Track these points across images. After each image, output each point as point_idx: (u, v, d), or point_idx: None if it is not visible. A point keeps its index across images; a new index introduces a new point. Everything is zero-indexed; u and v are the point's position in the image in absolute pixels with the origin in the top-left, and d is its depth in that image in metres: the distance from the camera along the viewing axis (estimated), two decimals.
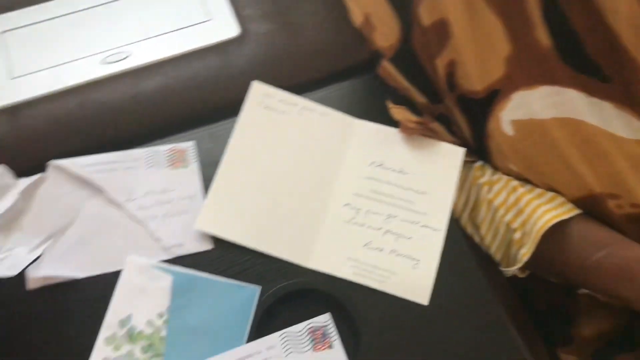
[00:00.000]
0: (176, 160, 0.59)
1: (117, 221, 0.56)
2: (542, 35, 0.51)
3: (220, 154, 0.59)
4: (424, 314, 0.53)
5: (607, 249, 0.54)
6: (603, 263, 0.54)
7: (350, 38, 0.63)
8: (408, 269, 0.55)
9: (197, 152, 0.60)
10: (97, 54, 0.64)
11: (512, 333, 0.52)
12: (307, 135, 0.61)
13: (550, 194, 0.57)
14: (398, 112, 0.60)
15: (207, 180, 0.58)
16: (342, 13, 0.64)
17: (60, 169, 0.57)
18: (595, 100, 0.51)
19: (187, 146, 0.60)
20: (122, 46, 0.64)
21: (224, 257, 0.55)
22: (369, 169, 0.60)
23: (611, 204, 0.54)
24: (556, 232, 0.55)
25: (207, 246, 0.55)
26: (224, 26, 0.64)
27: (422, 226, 0.57)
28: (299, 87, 0.63)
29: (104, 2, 0.67)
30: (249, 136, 0.60)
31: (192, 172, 0.59)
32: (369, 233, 0.57)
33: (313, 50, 0.63)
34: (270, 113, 0.61)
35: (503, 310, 0.54)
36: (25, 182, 0.56)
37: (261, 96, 0.62)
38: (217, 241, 0.56)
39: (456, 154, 0.60)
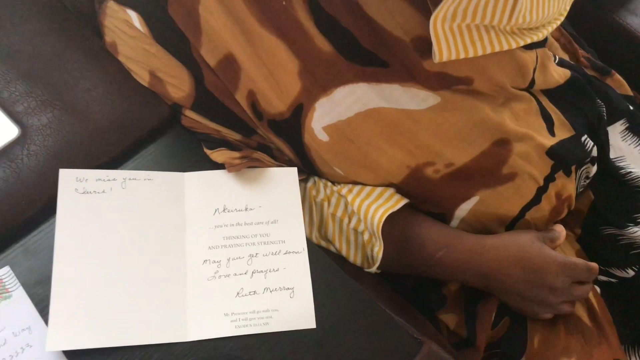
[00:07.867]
0: None
1: None
2: (322, 44, 0.55)
3: (46, 266, 0.52)
4: (316, 335, 0.53)
5: (445, 248, 0.61)
6: (444, 260, 0.62)
7: (145, 99, 0.61)
8: (286, 301, 0.54)
9: (17, 276, 0.52)
10: None
11: (398, 320, 0.54)
12: (139, 207, 0.56)
13: (378, 190, 0.61)
14: (218, 155, 0.59)
15: (41, 301, 0.51)
16: (127, 79, 0.61)
17: None
18: (383, 85, 0.56)
19: (1, 275, 0.52)
20: None
21: None
22: (214, 218, 0.58)
23: (429, 171, 0.60)
24: (400, 238, 0.61)
25: None
26: None
27: (285, 254, 0.57)
28: (109, 165, 0.58)
29: None
30: (75, 232, 0.54)
31: (18, 300, 0.51)
32: (237, 281, 0.55)
33: (108, 123, 0.59)
34: (90, 197, 0.55)
35: (384, 304, 0.56)
36: None
37: (74, 183, 0.55)
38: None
39: (290, 174, 0.61)
